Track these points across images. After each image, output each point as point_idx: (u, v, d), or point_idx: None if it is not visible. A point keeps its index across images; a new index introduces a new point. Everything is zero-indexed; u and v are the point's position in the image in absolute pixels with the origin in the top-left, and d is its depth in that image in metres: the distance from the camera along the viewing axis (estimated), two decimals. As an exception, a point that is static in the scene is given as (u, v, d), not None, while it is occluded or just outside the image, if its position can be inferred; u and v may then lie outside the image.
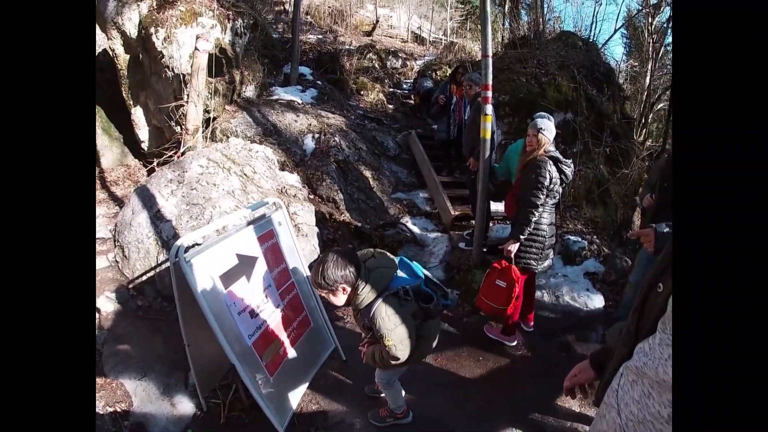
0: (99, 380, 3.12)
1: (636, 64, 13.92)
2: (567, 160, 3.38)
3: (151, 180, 4.57)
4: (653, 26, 11.60)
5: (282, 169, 5.66)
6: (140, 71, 6.52)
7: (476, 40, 13.86)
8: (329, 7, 14.07)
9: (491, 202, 4.87)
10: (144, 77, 6.53)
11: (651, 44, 11.45)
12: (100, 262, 4.23)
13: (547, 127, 3.32)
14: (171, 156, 5.18)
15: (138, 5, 6.00)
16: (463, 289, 4.53)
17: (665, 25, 11.08)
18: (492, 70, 4.10)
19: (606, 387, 1.15)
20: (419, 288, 2.28)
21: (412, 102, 9.59)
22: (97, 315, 3.66)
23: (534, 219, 3.32)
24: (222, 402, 2.97)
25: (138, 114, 6.83)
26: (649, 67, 11.38)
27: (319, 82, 8.71)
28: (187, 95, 5.12)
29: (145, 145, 7.01)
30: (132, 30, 6.06)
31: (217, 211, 4.12)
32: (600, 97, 7.63)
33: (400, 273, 2.28)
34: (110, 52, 6.44)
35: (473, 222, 4.98)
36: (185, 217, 4.10)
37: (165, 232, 4.06)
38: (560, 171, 3.34)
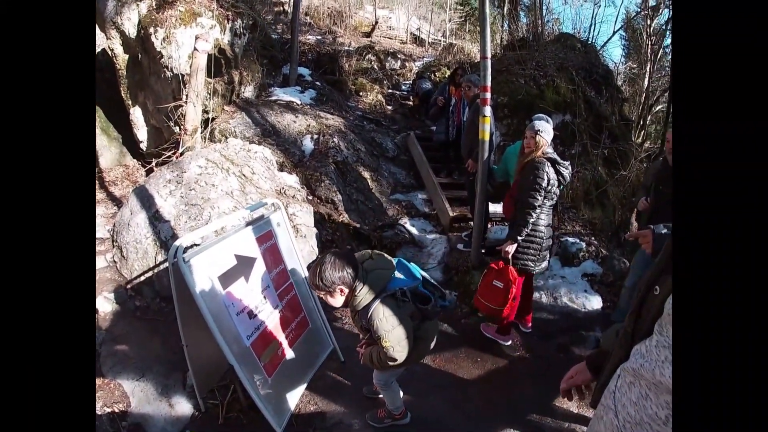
0: (97, 380, 3.12)
1: (634, 65, 13.95)
2: (565, 162, 3.39)
3: (149, 180, 4.57)
4: (652, 28, 11.64)
5: (281, 169, 5.66)
6: (139, 71, 6.52)
7: (475, 41, 13.88)
8: (328, 8, 14.08)
9: (490, 204, 4.87)
10: (143, 77, 6.53)
11: (649, 46, 11.49)
12: (99, 263, 4.22)
13: (545, 129, 3.33)
14: (170, 156, 5.18)
15: (137, 5, 6.00)
16: (462, 290, 4.53)
17: (664, 27, 11.12)
18: (491, 71, 4.11)
19: (603, 388, 1.16)
20: (417, 289, 2.29)
21: (411, 103, 9.60)
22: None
23: (531, 220, 3.33)
24: (220, 403, 2.96)
25: (137, 114, 6.83)
26: (648, 69, 11.41)
27: (318, 83, 8.71)
28: (186, 95, 5.12)
29: (143, 145, 7.00)
30: (131, 30, 6.06)
31: (216, 212, 4.12)
32: (598, 99, 7.65)
33: (397, 274, 2.28)
34: (109, 52, 6.44)
35: (471, 223, 4.98)
36: (184, 217, 4.10)
37: (163, 233, 4.06)
38: (558, 173, 3.35)
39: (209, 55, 5.18)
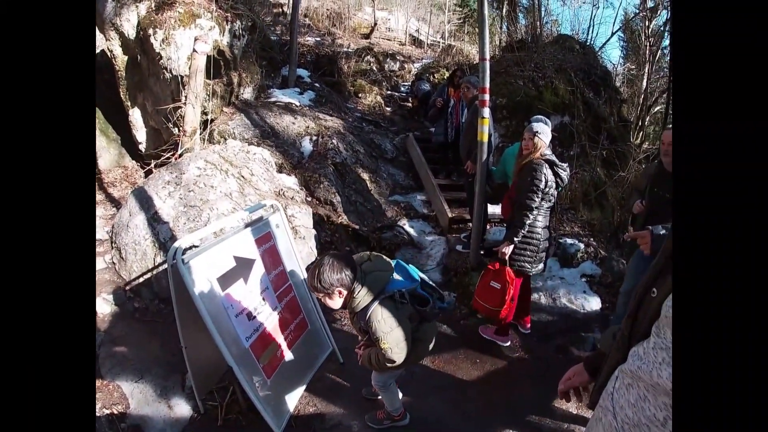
0: (96, 382, 3.11)
1: (633, 67, 13.96)
2: (563, 164, 3.39)
3: (148, 182, 4.57)
4: (650, 29, 11.66)
5: (279, 171, 5.66)
6: (138, 72, 6.52)
7: (474, 43, 13.89)
8: (327, 9, 14.08)
9: (488, 205, 4.88)
10: (142, 78, 6.53)
11: (648, 47, 11.50)
12: (97, 264, 4.22)
13: (543, 130, 3.34)
14: (168, 158, 5.19)
15: (136, 6, 6.00)
16: (461, 291, 4.54)
17: (662, 29, 11.14)
18: (489, 73, 4.12)
19: (601, 390, 1.16)
20: (415, 291, 2.29)
21: (410, 105, 9.61)
22: (93, 317, 3.66)
23: (528, 222, 3.33)
24: (219, 404, 2.96)
25: (136, 115, 6.83)
26: (646, 70, 11.42)
27: (316, 85, 8.72)
28: (185, 97, 5.12)
29: (142, 147, 7.00)
30: (130, 31, 6.07)
31: (215, 213, 4.12)
32: (597, 100, 7.67)
33: (396, 276, 2.29)
34: (108, 53, 6.44)
35: (470, 225, 4.99)
36: (182, 219, 4.10)
37: (162, 234, 4.06)
38: (556, 174, 3.35)
39: (208, 57, 5.18)
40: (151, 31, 5.77)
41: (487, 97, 4.11)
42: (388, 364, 2.21)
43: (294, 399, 3.02)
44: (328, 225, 5.31)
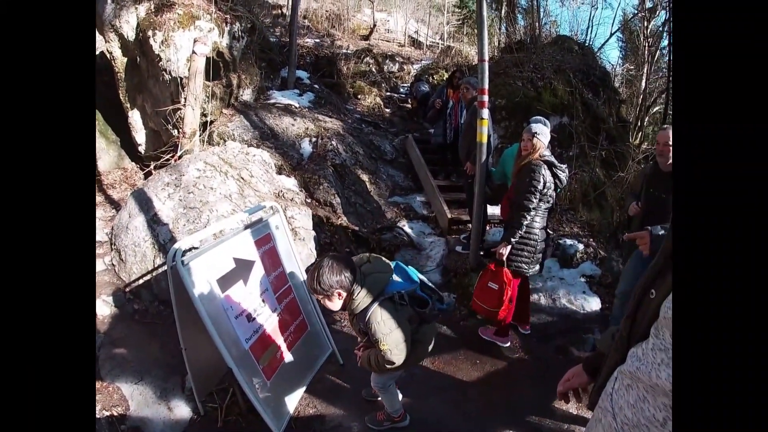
0: (96, 384, 3.11)
1: (632, 67, 13.98)
2: (562, 165, 3.40)
3: (147, 183, 4.57)
4: (649, 30, 11.68)
5: (279, 172, 5.67)
6: (137, 74, 6.52)
7: (473, 44, 13.90)
8: (327, 11, 14.10)
9: (488, 206, 4.88)
10: (141, 80, 6.53)
11: (647, 48, 11.52)
12: (97, 266, 4.22)
13: (542, 131, 3.35)
14: (168, 159, 5.19)
15: (136, 8, 6.00)
16: (460, 292, 4.54)
17: (661, 29, 11.17)
18: (488, 74, 4.13)
19: (600, 391, 1.16)
20: (415, 292, 2.30)
21: (409, 106, 9.62)
22: (93, 319, 3.65)
23: (526, 222, 3.34)
24: (219, 406, 2.96)
25: (135, 117, 6.83)
26: (645, 71, 11.44)
27: (316, 86, 8.73)
28: (185, 98, 5.13)
29: (142, 149, 7.00)
30: (129, 33, 6.07)
31: (214, 215, 4.12)
32: (596, 101, 7.67)
33: (395, 277, 2.29)
34: (107, 55, 6.43)
35: (470, 226, 4.99)
36: (182, 220, 4.10)
37: (162, 236, 4.06)
38: (554, 175, 3.36)
39: (207, 59, 5.19)
40: (150, 33, 5.77)
41: (486, 98, 4.12)
42: (388, 366, 2.21)
43: (294, 400, 3.02)
44: (328, 226, 5.31)
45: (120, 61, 6.43)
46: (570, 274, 4.77)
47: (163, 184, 4.42)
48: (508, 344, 3.75)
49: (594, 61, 9.01)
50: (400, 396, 2.90)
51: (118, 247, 4.17)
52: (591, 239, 5.34)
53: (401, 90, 10.91)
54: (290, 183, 5.55)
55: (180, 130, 5.26)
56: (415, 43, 15.76)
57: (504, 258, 3.43)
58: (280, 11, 12.99)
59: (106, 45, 6.33)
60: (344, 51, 11.29)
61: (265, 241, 3.13)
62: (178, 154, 5.05)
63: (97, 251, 4.50)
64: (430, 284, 2.44)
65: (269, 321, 2.97)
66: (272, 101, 7.55)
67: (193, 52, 4.84)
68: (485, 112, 4.14)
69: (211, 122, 6.27)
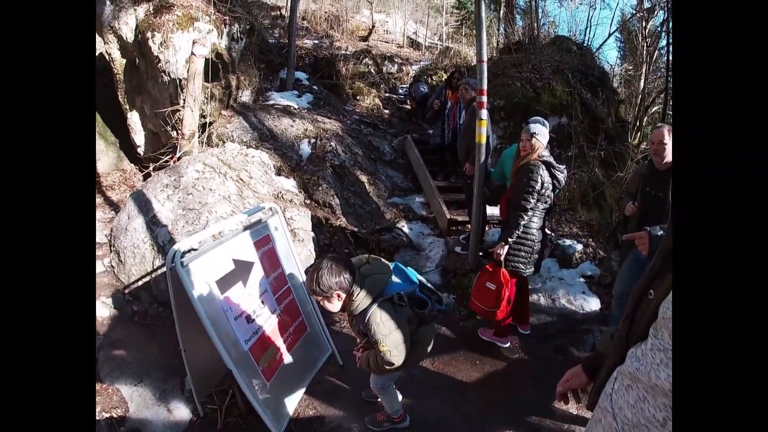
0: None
1: (630, 67, 14.01)
2: (560, 166, 3.40)
3: (146, 185, 4.56)
4: (647, 30, 11.70)
5: (278, 174, 5.67)
6: (136, 76, 6.52)
7: (471, 45, 13.92)
8: (325, 12, 14.12)
9: (487, 206, 4.88)
10: (140, 82, 6.53)
11: (645, 48, 11.55)
12: (96, 267, 4.22)
13: (541, 131, 3.35)
14: (167, 161, 5.19)
15: (135, 10, 6.00)
16: (459, 293, 4.54)
17: (659, 29, 11.19)
18: (487, 75, 4.13)
19: (599, 391, 1.16)
20: (414, 293, 2.30)
21: (408, 107, 9.62)
22: (92, 321, 3.65)
23: (523, 222, 3.34)
24: (219, 407, 2.96)
25: (134, 118, 6.82)
26: (643, 71, 11.46)
27: (315, 87, 8.73)
28: (184, 100, 5.13)
29: (141, 150, 6.99)
30: (129, 34, 6.06)
31: (213, 216, 4.11)
32: (594, 101, 7.68)
33: (394, 279, 2.29)
34: (106, 56, 6.43)
35: (469, 226, 4.99)
36: (181, 222, 4.10)
37: (161, 237, 4.06)
38: (553, 176, 3.36)
39: (206, 60, 5.19)
40: (149, 35, 5.77)
41: (484, 98, 4.12)
42: (387, 367, 2.21)
43: (293, 402, 3.02)
44: (327, 227, 5.31)
45: (119, 62, 6.43)
46: (569, 274, 4.77)
47: (162, 185, 4.42)
48: (508, 345, 3.75)
49: (592, 61, 9.02)
50: (400, 397, 2.90)
51: (117, 249, 4.17)
52: (590, 239, 5.34)
53: (400, 91, 10.92)
54: (289, 184, 5.55)
55: (179, 131, 5.26)
56: (414, 44, 15.78)
57: (501, 258, 3.43)
58: (278, 12, 13.00)
59: (105, 46, 6.32)
60: (343, 52, 11.30)
61: (264, 242, 3.13)
62: (177, 155, 5.05)
63: (97, 253, 4.49)
64: (429, 285, 2.44)
65: (269, 322, 2.97)
66: (271, 102, 7.55)
67: (192, 53, 4.85)
68: (484, 113, 4.14)
69: (210, 123, 6.27)
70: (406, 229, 5.85)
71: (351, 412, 3.04)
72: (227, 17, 6.55)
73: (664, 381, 0.88)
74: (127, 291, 3.95)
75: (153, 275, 3.98)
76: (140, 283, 3.98)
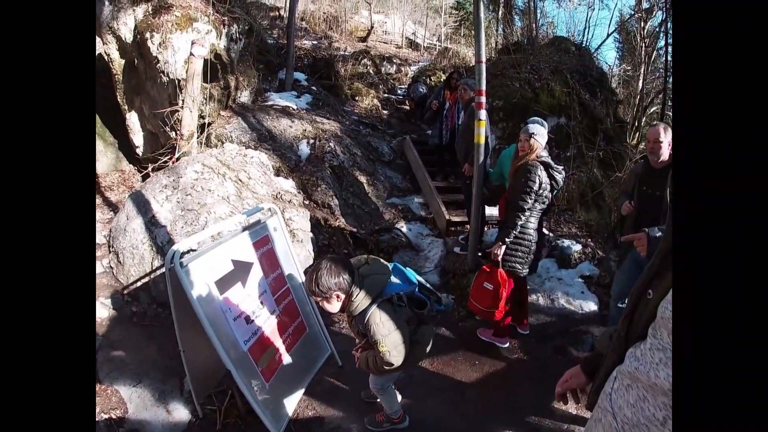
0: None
1: (629, 68, 14.00)
2: (558, 166, 3.40)
3: (145, 185, 4.56)
4: (646, 30, 11.71)
5: (277, 174, 5.66)
6: (135, 76, 6.51)
7: (470, 45, 13.94)
8: (324, 13, 14.13)
9: (486, 207, 4.89)
10: (139, 82, 6.52)
11: (643, 48, 11.55)
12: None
13: (540, 132, 3.35)
14: (166, 161, 5.18)
15: (133, 10, 5.99)
16: (458, 293, 4.54)
17: (657, 30, 11.20)
18: (486, 75, 4.13)
19: (598, 392, 1.16)
20: (413, 294, 2.30)
21: (407, 107, 9.62)
22: (91, 322, 3.64)
23: (520, 223, 3.35)
24: (218, 408, 2.95)
25: (133, 119, 6.82)
26: (642, 71, 11.46)
27: (314, 88, 8.73)
28: (182, 100, 5.12)
29: (139, 151, 6.99)
30: (127, 35, 6.06)
31: (212, 217, 4.11)
32: (593, 102, 7.68)
33: (393, 279, 2.30)
34: (105, 57, 6.42)
35: (468, 227, 4.99)
36: (180, 222, 4.09)
37: (160, 238, 4.05)
38: (551, 177, 3.36)
39: (205, 60, 5.19)
40: (148, 35, 5.77)
41: (483, 99, 4.13)
42: (386, 367, 2.21)
43: (293, 402, 3.02)
44: (326, 228, 5.31)
45: (117, 63, 6.42)
46: (568, 274, 4.77)
47: (160, 186, 4.41)
48: (507, 345, 3.75)
49: (591, 61, 9.02)
50: (399, 397, 2.90)
51: (116, 250, 4.16)
52: (589, 239, 5.34)
53: (399, 91, 10.92)
54: (288, 185, 5.55)
55: (178, 132, 5.26)
56: (413, 45, 15.79)
57: (499, 258, 3.44)
58: (277, 13, 13.00)
59: (104, 47, 6.32)
60: (342, 53, 11.30)
61: (263, 242, 3.13)
62: (176, 156, 5.04)
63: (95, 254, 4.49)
64: (428, 285, 2.45)
65: (268, 323, 2.96)
66: (270, 103, 7.54)
67: (191, 54, 4.84)
68: (483, 113, 4.14)
69: (209, 124, 6.27)
70: (405, 230, 5.85)
71: (350, 412, 3.03)
72: (226, 18, 6.55)
73: (664, 380, 0.89)
74: (126, 292, 3.94)
75: (152, 276, 3.97)
76: (139, 283, 3.98)
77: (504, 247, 3.41)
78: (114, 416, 2.92)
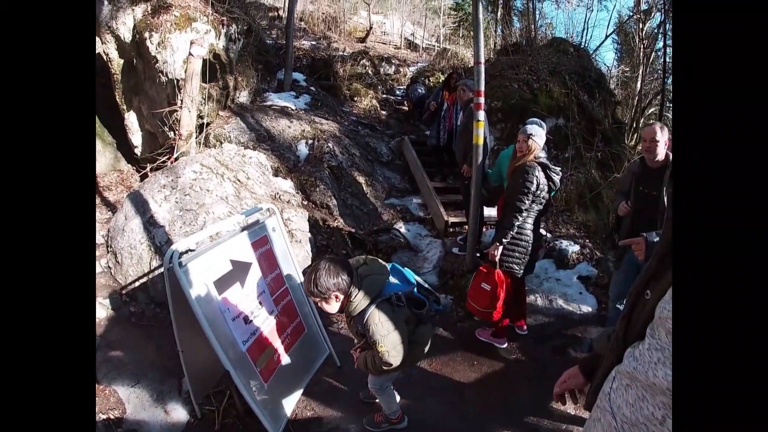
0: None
1: (627, 69, 14.04)
2: (556, 167, 3.41)
3: (144, 185, 4.55)
4: (644, 32, 11.75)
5: (275, 174, 5.66)
6: (134, 76, 6.51)
7: (469, 46, 13.94)
8: (323, 13, 14.12)
9: (484, 208, 4.89)
10: (138, 82, 6.51)
11: (642, 49, 11.59)
12: (93, 269, 4.20)
13: (538, 133, 3.36)
14: (164, 161, 5.17)
15: (133, 10, 5.99)
16: (457, 294, 4.54)
17: (656, 31, 11.23)
18: (484, 76, 4.14)
19: (597, 391, 1.16)
20: (411, 294, 2.31)
21: (405, 108, 9.62)
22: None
23: (517, 223, 3.35)
24: (216, 409, 2.95)
25: (131, 119, 6.81)
26: (640, 72, 11.50)
27: (312, 88, 8.73)
28: (181, 100, 5.11)
29: (138, 151, 6.98)
30: (126, 34, 6.05)
31: (211, 217, 4.10)
32: (591, 103, 7.70)
33: (392, 279, 2.30)
34: (104, 57, 6.41)
35: (466, 227, 5.00)
36: (178, 222, 4.08)
37: (158, 238, 4.04)
38: (548, 178, 3.37)
39: (204, 60, 5.18)
40: (147, 35, 5.76)
41: (482, 100, 4.13)
42: (385, 367, 2.21)
43: (291, 403, 3.01)
44: (324, 228, 5.30)
45: (116, 62, 6.41)
46: (566, 275, 4.78)
47: (159, 186, 4.40)
48: (505, 345, 3.76)
49: (589, 63, 9.05)
50: (398, 397, 2.90)
51: (115, 250, 4.15)
52: (587, 240, 5.35)
53: (397, 92, 10.91)
54: (287, 185, 5.54)
55: (176, 132, 5.25)
56: (411, 46, 15.78)
57: (496, 259, 3.44)
58: (276, 13, 12.98)
59: (103, 46, 6.31)
60: (340, 53, 11.29)
61: (261, 243, 3.13)
62: (175, 156, 5.03)
63: (93, 254, 4.48)
64: (426, 286, 2.45)
65: (266, 323, 2.96)
66: (268, 103, 7.54)
67: (190, 53, 4.84)
68: (481, 114, 4.15)
69: (208, 124, 6.26)
70: (403, 230, 5.85)
71: (349, 412, 3.03)
72: (225, 18, 6.54)
73: (662, 379, 0.89)
74: (124, 292, 3.93)
75: (150, 276, 3.96)
76: (137, 283, 3.97)
77: (501, 247, 3.42)
78: (112, 416, 2.91)
